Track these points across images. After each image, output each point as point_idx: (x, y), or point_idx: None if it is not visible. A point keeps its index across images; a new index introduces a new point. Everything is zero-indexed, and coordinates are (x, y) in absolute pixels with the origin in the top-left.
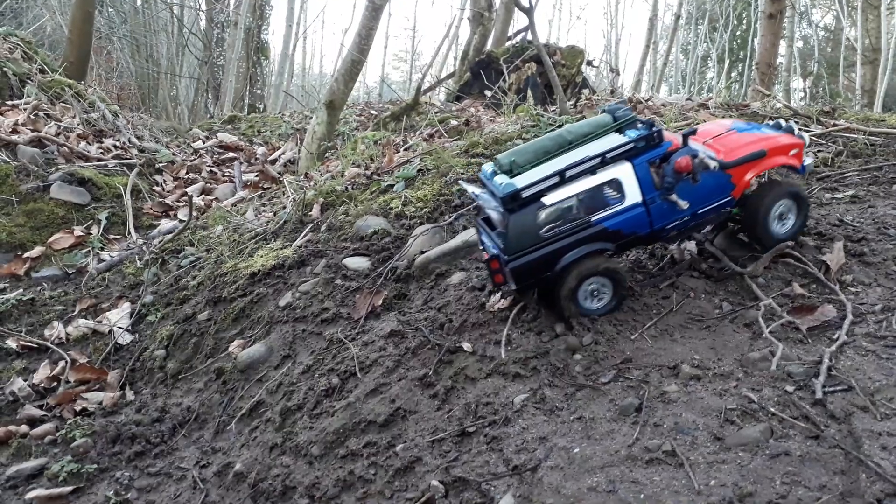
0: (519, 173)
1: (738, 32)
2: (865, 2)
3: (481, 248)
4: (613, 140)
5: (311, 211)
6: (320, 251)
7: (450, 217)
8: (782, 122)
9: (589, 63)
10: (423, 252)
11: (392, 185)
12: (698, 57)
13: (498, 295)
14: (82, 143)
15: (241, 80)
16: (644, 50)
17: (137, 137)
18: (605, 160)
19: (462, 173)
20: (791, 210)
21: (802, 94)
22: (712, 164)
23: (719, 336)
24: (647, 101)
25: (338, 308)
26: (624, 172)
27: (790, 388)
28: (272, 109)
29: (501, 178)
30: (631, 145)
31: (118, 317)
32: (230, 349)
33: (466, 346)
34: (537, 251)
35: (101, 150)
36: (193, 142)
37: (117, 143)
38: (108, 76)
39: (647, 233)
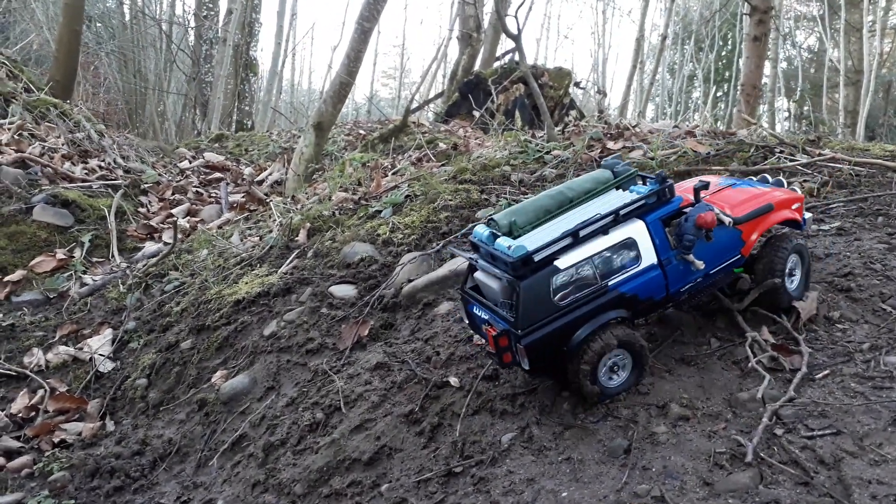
0: (519, 235)
1: (724, 53)
2: (848, 24)
3: (467, 322)
4: (618, 197)
5: (297, 236)
6: (306, 278)
7: (437, 244)
8: (768, 176)
9: (577, 84)
10: (410, 280)
11: (380, 211)
12: (684, 77)
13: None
14: (67, 164)
15: (229, 96)
16: (631, 70)
17: (123, 157)
18: (618, 218)
19: (450, 200)
20: (797, 266)
21: (787, 114)
22: (727, 219)
23: (707, 373)
24: (634, 126)
25: (323, 338)
26: (638, 231)
27: (779, 432)
28: (260, 126)
29: (506, 241)
30: (642, 201)
31: (99, 343)
32: (213, 379)
33: (454, 380)
34: (553, 323)
35: (86, 171)
36: (180, 161)
37: (102, 164)
38: (94, 91)
39: (663, 297)
